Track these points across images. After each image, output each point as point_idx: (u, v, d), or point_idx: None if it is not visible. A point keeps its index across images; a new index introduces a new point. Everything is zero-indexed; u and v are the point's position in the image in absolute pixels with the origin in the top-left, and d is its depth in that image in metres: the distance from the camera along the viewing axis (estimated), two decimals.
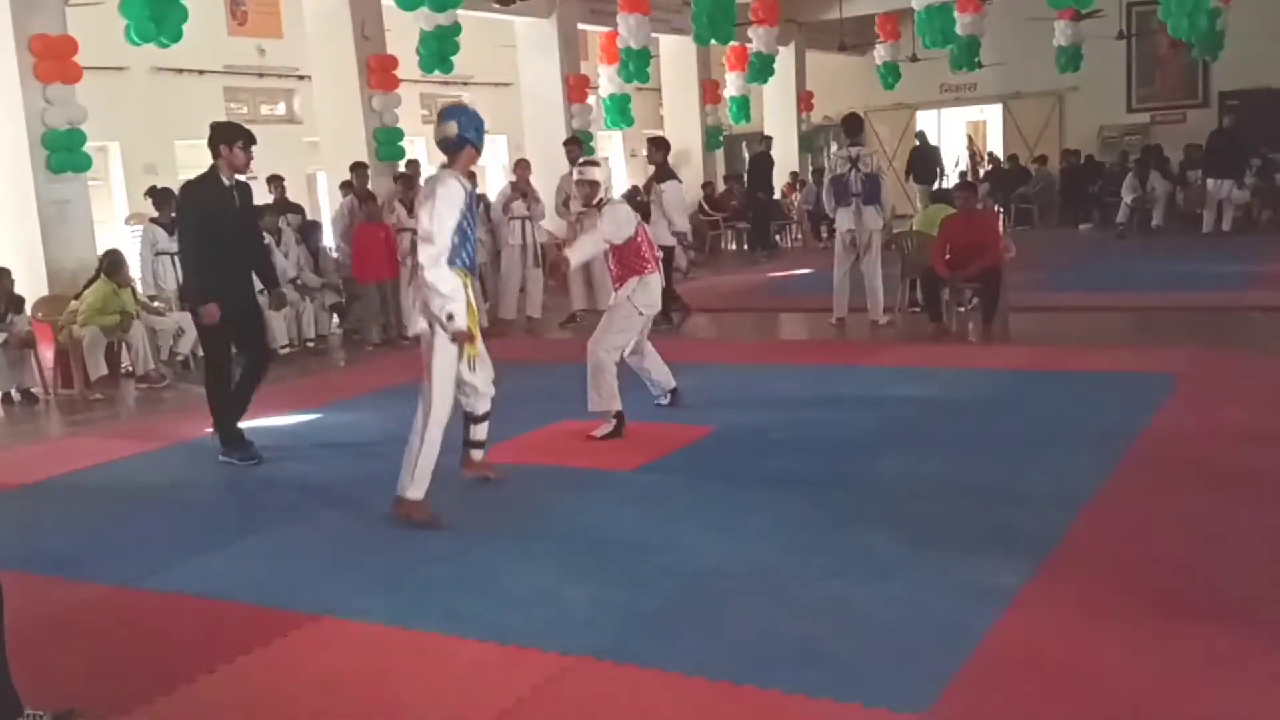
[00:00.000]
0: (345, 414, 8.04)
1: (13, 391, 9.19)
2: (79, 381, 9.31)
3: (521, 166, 12.06)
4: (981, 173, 19.74)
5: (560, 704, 3.45)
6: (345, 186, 12.36)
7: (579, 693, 3.52)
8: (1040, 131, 21.76)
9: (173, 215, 10.48)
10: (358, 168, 11.88)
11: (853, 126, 10.50)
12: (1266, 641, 3.54)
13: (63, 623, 4.37)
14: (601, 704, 3.43)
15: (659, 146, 11.12)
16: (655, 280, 6.83)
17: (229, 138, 6.46)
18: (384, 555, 4.89)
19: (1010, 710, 3.22)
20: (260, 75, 16.55)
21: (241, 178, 6.64)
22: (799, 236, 19.80)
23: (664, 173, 10.90)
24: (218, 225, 6.39)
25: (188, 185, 6.67)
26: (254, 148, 6.56)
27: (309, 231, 11.80)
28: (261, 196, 13.27)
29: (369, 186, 11.71)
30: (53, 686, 3.61)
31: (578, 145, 11.91)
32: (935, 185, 17.99)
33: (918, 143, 19.77)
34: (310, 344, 11.15)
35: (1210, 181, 16.22)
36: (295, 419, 7.92)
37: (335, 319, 11.92)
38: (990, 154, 22.42)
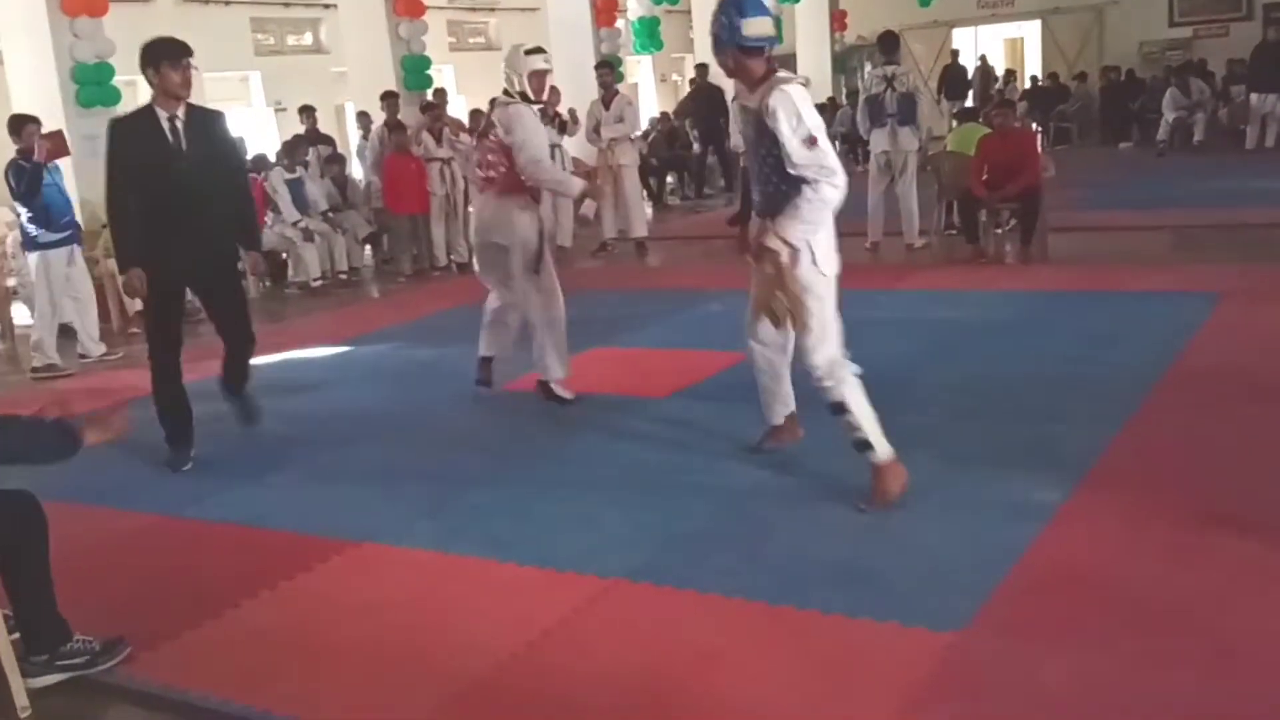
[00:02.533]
0: (380, 344, 8.08)
1: None
2: (116, 315, 9.40)
3: (550, 92, 11.91)
4: (995, 91, 19.32)
5: (600, 624, 3.48)
6: (362, 117, 12.35)
7: (618, 613, 3.55)
8: (1080, 48, 21.26)
9: None
10: (388, 97, 11.80)
11: (889, 45, 10.28)
12: None
13: (108, 551, 4.46)
14: (641, 624, 3.46)
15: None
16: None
17: (153, 59, 5.06)
18: (423, 482, 4.93)
19: (1048, 625, 3.22)
20: (286, 5, 16.44)
21: (213, 107, 5.49)
22: None
23: None
24: (152, 175, 5.09)
25: (115, 124, 5.27)
26: (190, 59, 5.13)
27: (331, 163, 11.77)
28: (294, 127, 13.29)
29: (399, 116, 11.64)
30: (100, 613, 3.69)
31: (608, 70, 11.77)
32: (963, 103, 18.14)
33: (950, 61, 19.75)
34: (343, 276, 11.18)
35: (1254, 96, 15.83)
36: (330, 350, 7.97)
37: (368, 250, 11.93)
38: (1009, 72, 21.75)
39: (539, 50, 5.83)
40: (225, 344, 5.53)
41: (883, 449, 4.18)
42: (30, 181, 7.74)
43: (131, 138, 5.10)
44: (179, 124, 5.11)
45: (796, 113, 3.89)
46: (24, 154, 7.80)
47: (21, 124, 7.92)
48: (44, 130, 7.93)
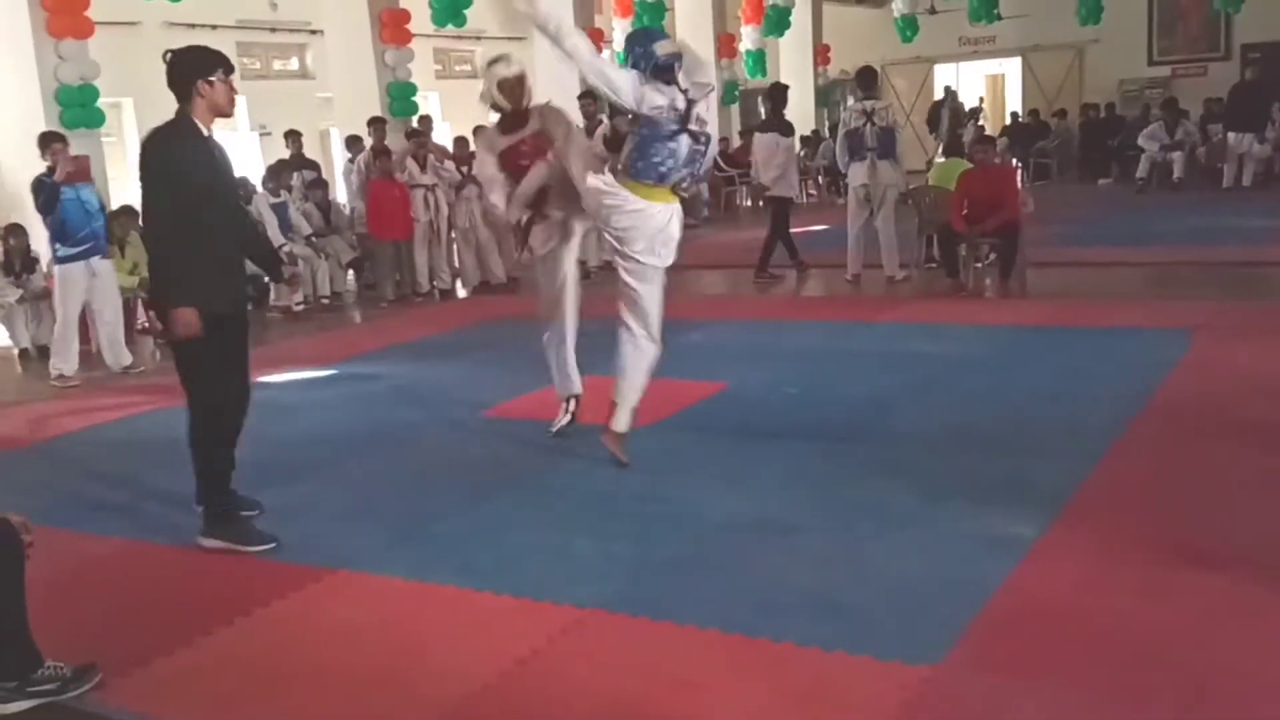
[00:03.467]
0: (360, 369, 8.06)
1: (30, 347, 9.24)
2: (96, 338, 9.34)
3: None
4: (965, 133, 19.39)
5: (575, 654, 3.47)
6: (353, 141, 12.31)
7: (593, 643, 3.54)
8: (1060, 85, 21.50)
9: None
10: (375, 122, 11.82)
11: (867, 80, 10.39)
12: None
13: (82, 576, 4.42)
14: (615, 654, 3.45)
15: (766, 95, 11.21)
16: None
17: (205, 68, 4.47)
18: (398, 509, 4.92)
19: (1023, 659, 3.23)
20: (273, 30, 16.44)
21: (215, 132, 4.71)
22: (814, 193, 19.66)
23: (764, 123, 11.00)
24: (206, 194, 4.47)
25: (158, 137, 4.50)
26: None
27: (314, 187, 11.76)
28: (278, 151, 13.28)
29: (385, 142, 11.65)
30: (73, 639, 3.66)
31: (592, 99, 11.81)
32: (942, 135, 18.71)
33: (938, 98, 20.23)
34: (325, 301, 11.17)
35: (1231, 135, 16.03)
36: (311, 374, 7.95)
37: (350, 275, 11.92)
38: (975, 110, 21.61)
39: (501, 58, 5.57)
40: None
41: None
42: (47, 199, 7.98)
43: (185, 153, 4.46)
44: (214, 143, 4.59)
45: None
46: (50, 170, 8.01)
47: (47, 141, 8.17)
48: (70, 151, 8.13)
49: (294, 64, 17.15)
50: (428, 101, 15.45)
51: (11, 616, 3.34)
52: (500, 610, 3.80)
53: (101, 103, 10.13)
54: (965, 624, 3.44)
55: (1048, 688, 3.07)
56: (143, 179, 4.50)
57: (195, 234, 4.41)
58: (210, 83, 4.46)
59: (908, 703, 3.04)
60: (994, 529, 4.18)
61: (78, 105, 9.77)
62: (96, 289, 8.37)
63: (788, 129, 10.88)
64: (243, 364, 4.80)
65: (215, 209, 4.53)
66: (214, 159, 4.55)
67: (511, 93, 5.49)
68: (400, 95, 12.95)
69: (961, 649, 3.30)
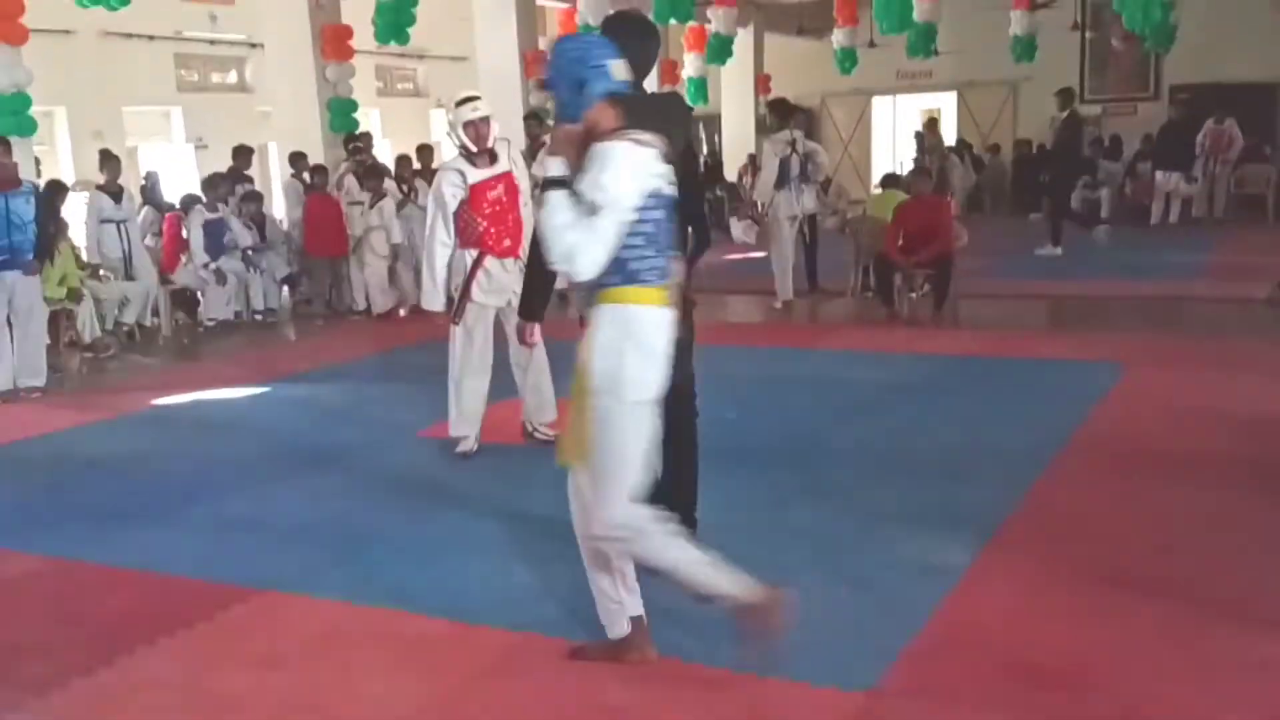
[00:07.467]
0: (293, 387, 7.95)
1: None
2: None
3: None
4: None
5: (508, 680, 3.43)
6: (296, 158, 12.17)
7: (527, 669, 3.50)
8: (994, 120, 21.90)
9: (119, 183, 10.29)
10: (358, 140, 11.83)
11: (783, 110, 10.56)
12: (1210, 617, 3.61)
13: (1, 592, 4.29)
14: (550, 680, 3.42)
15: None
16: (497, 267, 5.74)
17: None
18: (331, 530, 4.85)
19: (957, 685, 3.25)
20: (212, 42, 16.25)
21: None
22: (752, 217, 19.78)
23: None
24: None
25: None
26: None
27: (248, 201, 11.53)
28: (214, 165, 13.07)
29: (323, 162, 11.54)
30: None
31: (536, 122, 11.81)
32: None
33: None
34: (259, 316, 11.02)
35: (1159, 174, 16.42)
36: (242, 392, 7.82)
37: (285, 291, 11.76)
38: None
39: (470, 99, 5.69)
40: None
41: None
42: None
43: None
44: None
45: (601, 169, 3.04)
46: None
47: None
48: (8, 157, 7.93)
49: (233, 77, 16.96)
50: (369, 118, 15.37)
51: None
52: (433, 634, 3.76)
53: (34, 111, 9.93)
54: (899, 649, 3.46)
55: (978, 714, 3.09)
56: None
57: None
58: None
59: None
60: (926, 555, 4.22)
61: (10, 113, 9.55)
62: (12, 304, 7.93)
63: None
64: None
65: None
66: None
67: (478, 134, 5.63)
68: (341, 111, 12.84)
69: (895, 675, 3.32)
